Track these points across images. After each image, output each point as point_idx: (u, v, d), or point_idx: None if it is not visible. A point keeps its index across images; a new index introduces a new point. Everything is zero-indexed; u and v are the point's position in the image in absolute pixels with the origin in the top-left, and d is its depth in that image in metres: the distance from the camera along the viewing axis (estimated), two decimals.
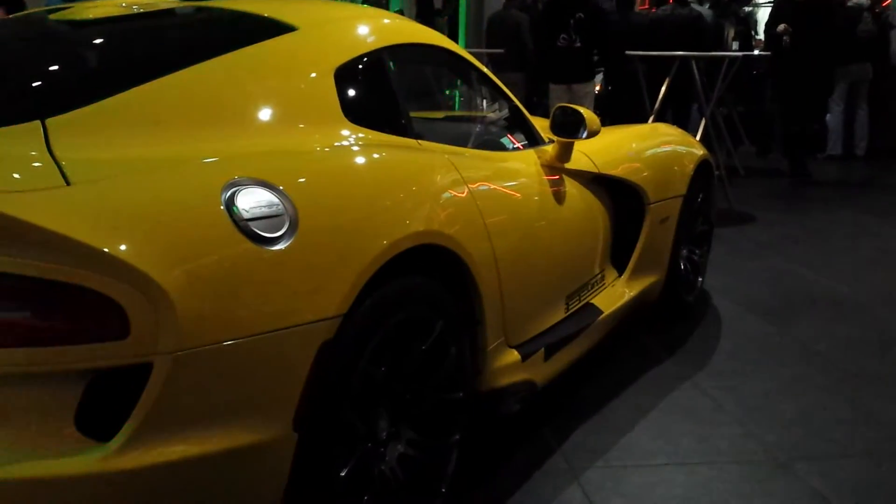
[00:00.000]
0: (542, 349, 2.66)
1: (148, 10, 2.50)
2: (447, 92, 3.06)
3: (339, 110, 2.14)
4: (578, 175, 3.05)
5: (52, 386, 1.45)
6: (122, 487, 1.49)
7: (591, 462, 2.60)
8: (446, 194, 2.21)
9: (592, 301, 3.11)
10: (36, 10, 2.57)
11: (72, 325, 1.44)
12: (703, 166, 3.90)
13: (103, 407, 1.48)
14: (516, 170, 2.74)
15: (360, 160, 2.10)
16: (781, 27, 7.46)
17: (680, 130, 4.20)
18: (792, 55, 7.36)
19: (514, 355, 2.51)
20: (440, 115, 2.98)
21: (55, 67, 2.09)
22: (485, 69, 2.94)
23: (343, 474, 1.85)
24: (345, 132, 2.11)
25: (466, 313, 2.27)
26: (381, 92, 2.37)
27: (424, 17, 10.22)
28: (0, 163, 1.56)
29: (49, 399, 1.45)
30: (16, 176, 1.53)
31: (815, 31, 7.29)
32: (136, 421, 1.48)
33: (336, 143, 2.07)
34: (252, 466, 1.67)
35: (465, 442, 2.27)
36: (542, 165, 2.87)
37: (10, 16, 2.66)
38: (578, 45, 6.51)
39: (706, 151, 4.06)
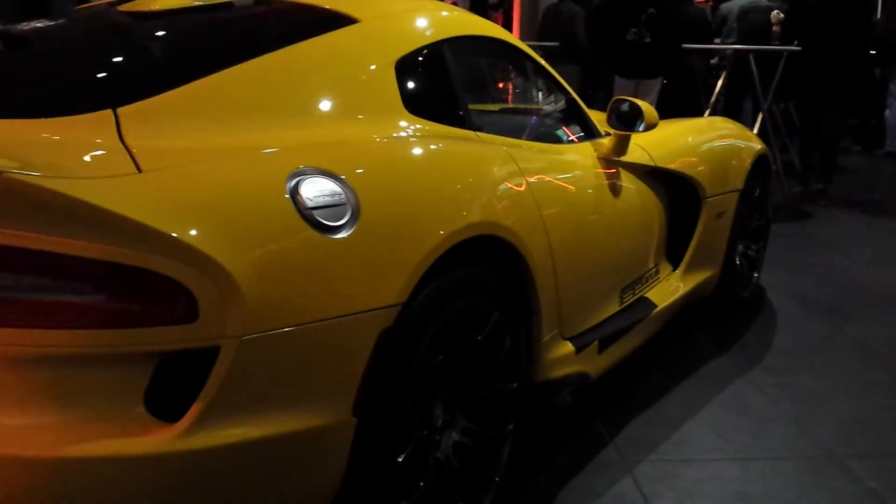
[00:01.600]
0: (596, 342, 2.67)
1: (212, 2, 2.55)
2: (504, 83, 3.06)
3: (400, 102, 2.16)
4: (634, 168, 3.04)
5: (122, 367, 1.49)
6: (189, 467, 1.53)
7: (644, 455, 2.60)
8: (504, 186, 2.23)
9: (647, 295, 3.09)
10: (104, 1, 2.64)
11: (142, 308, 1.48)
12: (760, 161, 3.86)
13: (171, 388, 1.52)
14: (573, 162, 2.74)
15: (419, 151, 2.12)
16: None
17: (737, 124, 4.15)
18: (820, 49, 6.40)
19: (569, 347, 2.52)
20: (498, 107, 2.99)
21: (125, 58, 2.14)
22: (542, 61, 2.94)
23: (400, 460, 1.87)
24: (405, 123, 2.14)
25: (522, 304, 2.28)
26: (440, 84, 2.39)
27: (478, 8, 10.20)
28: (74, 150, 1.60)
29: (120, 380, 1.49)
30: (89, 163, 1.57)
31: (844, 21, 6.28)
32: (202, 402, 1.52)
33: (396, 134, 2.10)
34: (312, 450, 1.70)
35: (519, 432, 2.29)
36: (599, 158, 2.86)
37: (79, 6, 2.72)
38: (648, 39, 6.44)
39: (764, 146, 4.01)
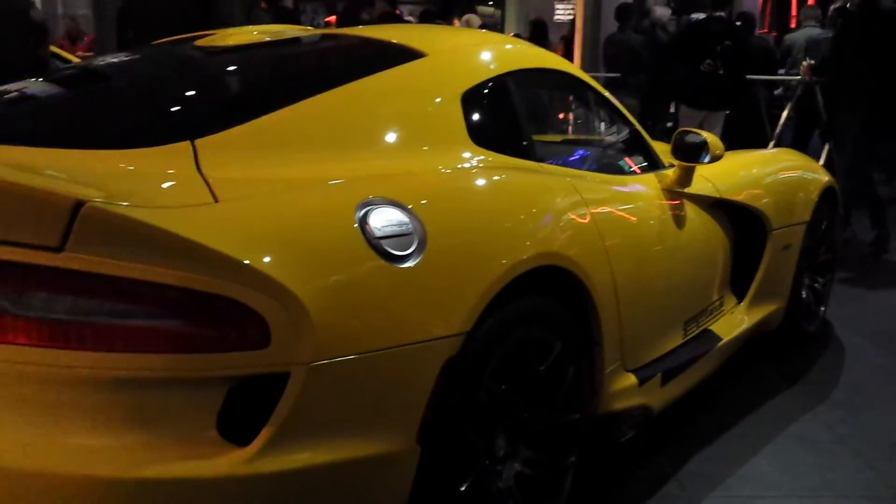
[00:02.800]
0: (659, 374, 2.64)
1: (282, 37, 2.63)
2: (567, 114, 3.08)
3: (466, 133, 2.20)
4: (699, 200, 3.02)
5: (197, 391, 1.54)
6: (258, 490, 1.57)
7: (709, 491, 2.56)
8: (567, 216, 2.24)
9: (711, 327, 3.06)
10: (182, 36, 2.73)
11: (217, 333, 1.53)
12: (827, 193, 3.80)
13: (243, 412, 1.56)
14: (636, 193, 2.74)
15: (485, 182, 2.15)
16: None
17: (804, 156, 4.10)
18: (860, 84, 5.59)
19: (631, 379, 2.51)
20: (561, 137, 3.01)
21: (201, 91, 2.22)
22: (605, 92, 2.95)
23: (462, 489, 1.88)
24: (471, 155, 2.17)
25: (585, 335, 2.28)
26: (505, 115, 2.42)
27: (538, 40, 10.26)
28: (154, 180, 1.67)
29: (194, 403, 1.54)
30: (169, 193, 1.64)
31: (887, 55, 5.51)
32: (272, 427, 1.55)
33: (462, 166, 2.13)
34: (378, 477, 1.72)
35: (581, 464, 2.28)
36: (663, 189, 2.86)
37: (155, 42, 2.83)
38: (721, 71, 6.41)
39: (831, 178, 3.95)
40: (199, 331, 1.52)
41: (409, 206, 1.81)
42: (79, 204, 1.43)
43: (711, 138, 2.86)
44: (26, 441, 1.49)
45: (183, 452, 1.52)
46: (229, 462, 1.53)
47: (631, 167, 2.96)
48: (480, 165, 2.17)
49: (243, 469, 1.53)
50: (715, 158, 2.86)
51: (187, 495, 1.53)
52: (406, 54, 2.31)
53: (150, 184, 1.64)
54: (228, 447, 1.54)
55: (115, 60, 2.64)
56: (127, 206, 1.49)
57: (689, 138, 2.88)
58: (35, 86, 2.48)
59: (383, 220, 1.75)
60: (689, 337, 2.92)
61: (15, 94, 2.38)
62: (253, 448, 1.54)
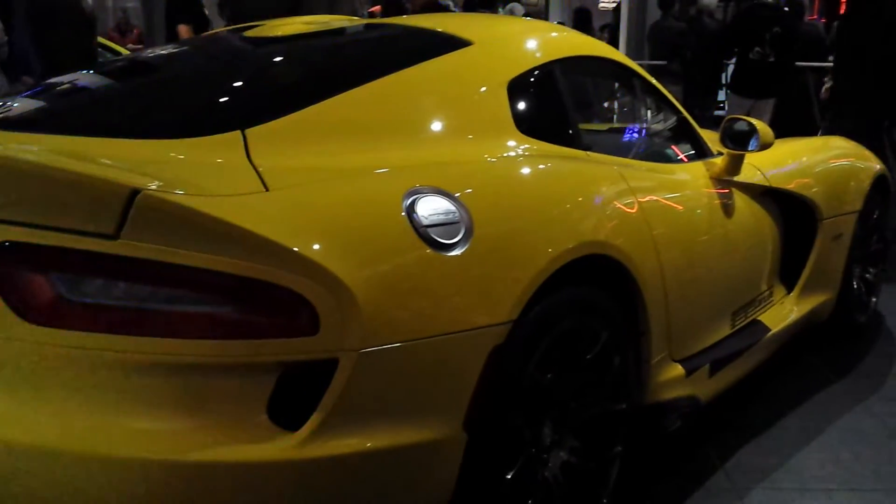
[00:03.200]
0: (707, 365, 2.62)
1: (330, 27, 2.64)
2: (614, 102, 3.06)
3: (512, 122, 2.19)
4: (748, 188, 2.98)
5: (247, 376, 1.55)
6: (307, 475, 1.59)
7: (757, 483, 2.54)
8: (615, 205, 2.22)
9: (760, 318, 3.02)
10: (229, 27, 2.76)
11: (268, 320, 1.55)
12: (879, 181, 3.72)
13: (293, 398, 1.57)
14: (684, 182, 2.71)
15: (531, 170, 2.14)
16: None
17: (855, 144, 4.01)
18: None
19: (679, 370, 2.49)
20: (608, 126, 2.99)
21: (251, 82, 2.24)
22: (652, 79, 2.92)
23: (509, 477, 1.89)
24: (517, 143, 2.16)
25: (632, 325, 2.27)
26: (551, 104, 2.41)
27: (582, 28, 10.18)
28: (206, 169, 1.69)
29: (245, 388, 1.56)
30: (220, 181, 1.65)
31: None
32: (322, 413, 1.57)
33: (508, 154, 2.13)
34: (425, 463, 1.73)
35: (628, 454, 2.27)
36: (711, 178, 2.82)
37: (205, 34, 2.86)
38: (772, 59, 6.31)
39: (883, 166, 3.87)
40: (251, 317, 1.54)
41: (456, 195, 1.81)
42: (134, 192, 1.46)
43: (761, 126, 2.82)
44: (83, 424, 1.52)
45: (235, 437, 1.54)
46: (280, 447, 1.55)
47: (678, 155, 2.93)
48: (527, 154, 2.16)
49: (293, 454, 1.55)
50: (764, 146, 2.82)
51: (239, 479, 1.56)
52: (452, 43, 2.31)
53: (202, 173, 1.66)
54: (279, 432, 1.56)
55: (165, 52, 2.68)
56: (180, 195, 1.51)
57: (738, 126, 2.84)
58: (86, 77, 2.53)
59: (430, 208, 1.75)
60: (738, 327, 2.89)
61: (68, 85, 2.43)
62: (303, 433, 1.56)
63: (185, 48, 2.82)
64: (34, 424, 1.52)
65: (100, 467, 1.51)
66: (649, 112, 3.02)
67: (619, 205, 2.24)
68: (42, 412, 1.53)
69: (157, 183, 1.51)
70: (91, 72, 2.64)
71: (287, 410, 1.57)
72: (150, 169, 1.60)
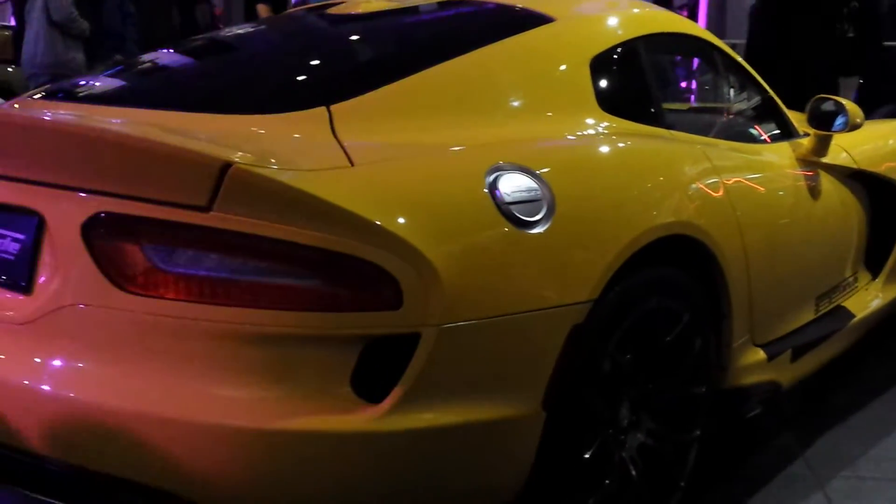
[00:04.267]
0: (790, 350, 2.57)
1: (412, 3, 2.65)
2: (698, 81, 2.99)
3: (594, 100, 2.17)
4: (835, 170, 2.89)
5: (332, 348, 1.58)
6: (388, 447, 1.61)
7: (837, 471, 2.48)
8: (698, 185, 2.19)
9: (844, 304, 2.94)
10: (314, 5, 2.79)
11: (352, 293, 1.57)
12: None
13: (375, 371, 1.59)
14: (770, 163, 2.65)
15: (613, 149, 2.12)
16: None
17: None
18: None
19: (760, 354, 2.44)
20: (692, 104, 2.94)
21: (335, 58, 2.26)
22: (738, 58, 2.86)
23: (586, 456, 1.88)
24: (599, 121, 2.14)
25: (713, 307, 2.23)
26: (634, 81, 2.37)
27: (663, 4, 9.98)
28: (293, 144, 1.72)
29: (329, 360, 1.58)
30: (307, 156, 1.68)
31: None
32: (404, 386, 1.58)
33: (590, 132, 2.11)
34: (503, 440, 1.74)
35: (706, 438, 2.24)
36: (797, 159, 2.75)
37: (290, 10, 2.89)
38: (851, 35, 6.10)
39: None
40: (336, 290, 1.56)
41: (538, 172, 1.80)
42: (227, 165, 1.49)
43: (850, 106, 2.74)
44: (174, 390, 1.57)
45: (318, 407, 1.57)
46: (362, 418, 1.57)
47: (763, 135, 2.86)
48: (609, 132, 2.14)
49: (375, 425, 1.57)
50: (853, 127, 2.74)
51: (321, 448, 1.59)
52: (534, 19, 2.29)
53: (289, 147, 1.69)
54: (361, 404, 1.58)
55: (248, 30, 2.72)
56: (270, 169, 1.54)
57: (826, 106, 2.76)
58: (172, 55, 2.58)
59: (513, 185, 1.75)
60: (822, 313, 2.82)
61: (154, 62, 2.49)
62: (384, 406, 1.58)
63: (267, 26, 2.86)
64: (129, 390, 1.58)
65: (189, 432, 1.55)
66: (734, 90, 2.95)
67: (702, 184, 2.20)
68: (136, 378, 1.58)
69: (248, 157, 1.54)
70: (176, 49, 2.69)
71: (369, 383, 1.59)
72: (241, 143, 1.63)
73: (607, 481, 1.96)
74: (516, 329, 1.71)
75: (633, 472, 2.04)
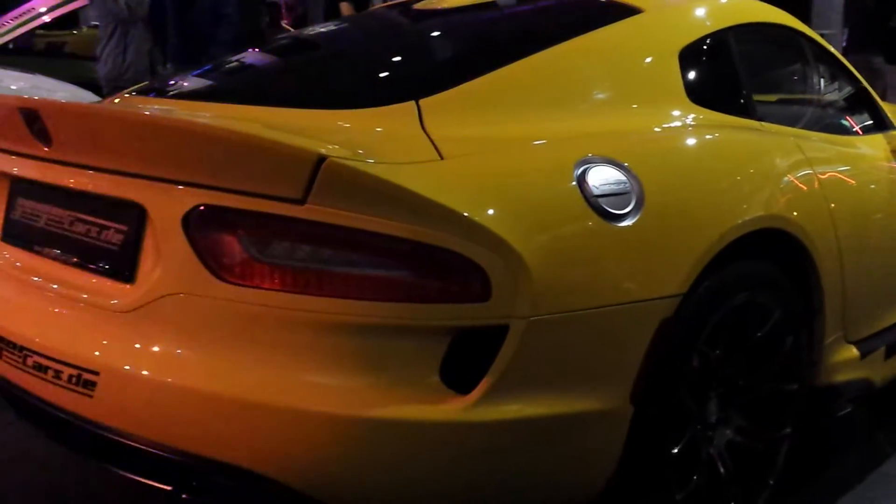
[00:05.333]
0: (883, 347, 2.50)
1: None
2: (790, 71, 2.92)
3: (683, 91, 2.14)
4: None
5: (421, 339, 1.60)
6: (476, 438, 1.62)
7: None
8: (791, 178, 2.14)
9: None
10: (392, 2, 2.82)
11: (442, 285, 1.58)
12: None
13: (464, 362, 1.61)
14: (864, 155, 2.58)
15: (703, 141, 2.09)
16: None
17: None
18: None
19: (853, 351, 2.38)
20: (782, 96, 2.87)
21: (422, 52, 2.29)
22: (831, 48, 2.78)
23: (674, 452, 1.87)
24: (688, 113, 2.11)
25: (806, 303, 2.18)
26: (724, 72, 2.34)
27: None
28: (384, 138, 1.75)
29: (418, 350, 1.60)
30: (397, 150, 1.70)
31: None
32: (492, 377, 1.59)
33: (679, 124, 2.08)
34: (590, 433, 1.74)
35: (797, 436, 2.19)
36: (892, 151, 2.67)
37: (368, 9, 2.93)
38: None
39: None
40: (426, 282, 1.58)
41: (627, 165, 1.79)
42: (321, 159, 1.52)
43: None
44: (268, 376, 1.60)
45: (408, 396, 1.59)
46: (450, 408, 1.59)
47: (856, 127, 2.78)
48: (699, 124, 2.11)
49: (463, 416, 1.59)
50: None
51: (410, 437, 1.61)
52: (623, 10, 2.27)
53: (380, 141, 1.72)
54: (449, 394, 1.60)
55: (336, 27, 2.77)
56: (364, 163, 1.57)
57: None
58: (261, 53, 2.64)
59: (601, 178, 1.74)
60: None
61: (246, 60, 2.56)
62: (473, 396, 1.59)
63: (352, 23, 2.90)
64: (226, 376, 1.62)
65: (283, 418, 1.59)
66: (825, 81, 2.87)
67: (795, 177, 2.16)
68: (232, 364, 1.63)
69: (341, 151, 1.56)
70: (264, 48, 2.76)
71: (458, 373, 1.61)
72: (334, 137, 1.67)
73: (695, 477, 1.94)
74: (604, 322, 1.71)
75: (722, 469, 2.02)
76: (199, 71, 2.55)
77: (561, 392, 1.68)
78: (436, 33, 2.45)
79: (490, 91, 1.94)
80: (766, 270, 2.04)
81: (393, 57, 2.25)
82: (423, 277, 1.58)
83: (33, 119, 1.81)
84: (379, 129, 1.78)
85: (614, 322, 1.72)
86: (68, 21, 9.98)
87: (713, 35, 2.34)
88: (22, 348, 1.83)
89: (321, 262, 1.59)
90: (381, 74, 2.13)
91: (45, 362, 1.78)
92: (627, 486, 1.81)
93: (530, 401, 1.64)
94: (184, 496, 1.73)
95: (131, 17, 5.44)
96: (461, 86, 1.93)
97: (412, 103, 1.84)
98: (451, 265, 1.57)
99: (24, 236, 2.00)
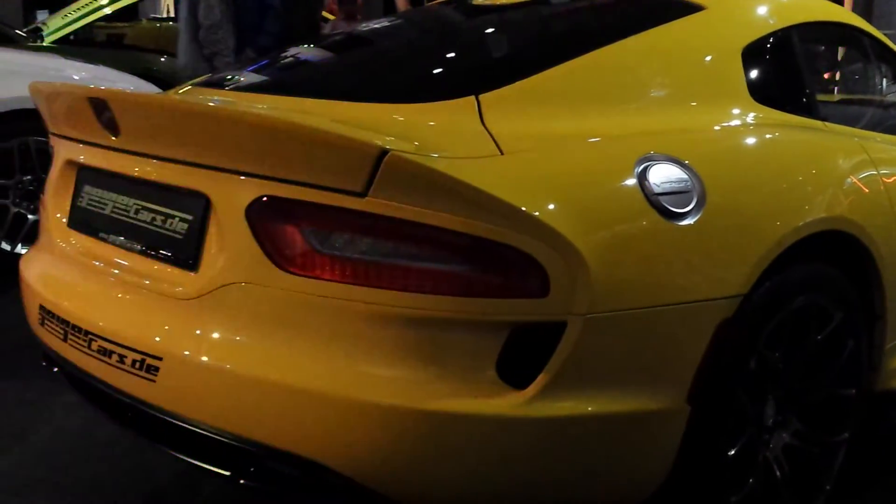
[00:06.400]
0: None
1: None
2: (854, 71, 2.87)
3: (746, 90, 2.11)
4: None
5: (479, 333, 1.60)
6: (531, 433, 1.62)
7: None
8: (855, 179, 2.11)
9: None
10: None
11: (501, 280, 1.58)
12: None
13: (521, 357, 1.61)
14: None
15: (765, 140, 2.06)
16: None
17: None
18: None
19: None
20: (846, 95, 2.82)
21: (482, 48, 2.29)
22: (895, 48, 2.73)
23: (730, 454, 1.85)
24: (750, 112, 2.09)
25: (866, 307, 2.15)
26: (787, 72, 2.30)
27: None
28: (445, 132, 1.75)
29: (476, 344, 1.60)
30: (458, 145, 1.70)
31: None
32: (548, 373, 1.59)
33: (741, 123, 2.06)
34: (646, 433, 1.73)
35: (855, 442, 2.16)
36: None
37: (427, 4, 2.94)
38: None
39: None
40: (485, 276, 1.58)
41: (688, 163, 1.78)
42: (384, 152, 1.53)
43: None
44: (327, 366, 1.62)
45: (464, 390, 1.59)
46: (507, 403, 1.59)
47: None
48: (761, 123, 2.08)
49: (520, 410, 1.59)
50: None
51: (466, 430, 1.61)
52: (685, 7, 2.25)
53: (441, 136, 1.72)
54: (506, 388, 1.60)
55: (396, 22, 2.78)
56: (425, 156, 1.57)
57: None
58: (318, 48, 2.67)
59: (662, 176, 1.73)
60: None
61: (303, 54, 2.58)
62: (529, 391, 1.59)
63: (410, 18, 2.91)
64: (286, 364, 1.64)
65: (341, 407, 1.60)
66: (890, 81, 2.82)
67: (859, 178, 2.12)
68: (292, 353, 1.65)
69: (403, 144, 1.57)
70: (321, 43, 2.78)
71: (515, 369, 1.61)
72: (395, 131, 1.68)
73: (750, 480, 1.92)
74: (663, 322, 1.70)
75: (777, 473, 2.00)
76: (258, 64, 2.58)
77: (617, 390, 1.67)
78: (495, 29, 2.45)
79: (550, 87, 1.94)
80: (828, 273, 2.01)
81: (452, 52, 2.25)
82: (482, 272, 1.59)
83: (102, 109, 1.85)
84: (439, 124, 1.79)
85: (672, 321, 1.71)
86: (128, 13, 10.16)
87: (777, 33, 2.31)
88: (87, 332, 1.88)
89: (381, 254, 1.61)
90: (441, 69, 2.14)
91: (109, 346, 1.82)
92: (681, 487, 1.79)
93: (586, 398, 1.64)
94: (241, 481, 1.75)
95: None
96: (521, 81, 1.93)
97: (472, 98, 1.84)
98: (510, 260, 1.57)
99: (90, 223, 2.05)
